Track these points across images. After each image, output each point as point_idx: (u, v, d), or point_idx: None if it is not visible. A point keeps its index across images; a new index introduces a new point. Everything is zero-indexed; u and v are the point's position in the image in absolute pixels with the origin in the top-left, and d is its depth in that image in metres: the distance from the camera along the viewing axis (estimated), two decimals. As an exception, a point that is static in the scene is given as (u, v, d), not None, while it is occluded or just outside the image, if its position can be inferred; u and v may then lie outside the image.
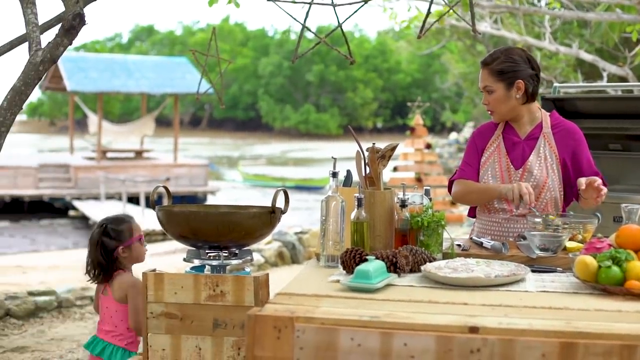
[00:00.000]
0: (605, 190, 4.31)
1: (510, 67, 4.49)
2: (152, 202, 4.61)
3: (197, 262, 4.46)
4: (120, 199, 26.19)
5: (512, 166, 4.60)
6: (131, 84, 30.44)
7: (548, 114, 4.68)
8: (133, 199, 25.99)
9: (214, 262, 4.36)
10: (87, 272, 4.89)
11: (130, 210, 24.18)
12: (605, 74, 18.94)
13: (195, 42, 77.37)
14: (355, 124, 74.30)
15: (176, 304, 3.78)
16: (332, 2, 4.65)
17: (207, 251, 4.40)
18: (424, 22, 4.47)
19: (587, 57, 18.80)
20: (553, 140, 4.59)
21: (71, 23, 5.07)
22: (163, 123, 53.61)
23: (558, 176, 4.56)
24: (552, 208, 4.57)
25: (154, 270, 3.92)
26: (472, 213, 4.87)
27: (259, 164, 50.87)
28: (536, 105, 4.67)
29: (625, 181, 6.95)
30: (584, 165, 4.59)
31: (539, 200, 4.56)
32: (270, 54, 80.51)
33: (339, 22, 4.51)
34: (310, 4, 4.74)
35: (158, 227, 17.90)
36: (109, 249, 4.80)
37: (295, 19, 4.61)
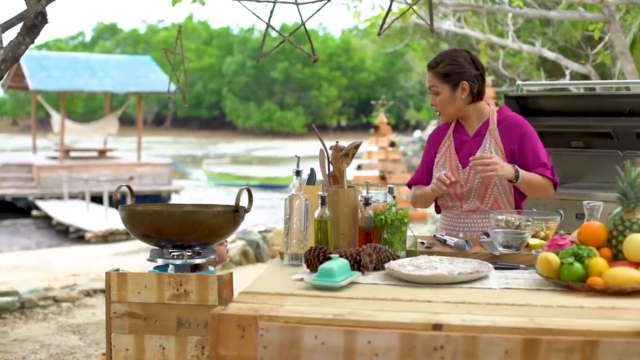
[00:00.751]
0: (494, 162, 4.38)
1: (455, 69, 4.60)
2: (115, 202, 4.58)
3: (160, 262, 4.44)
4: (83, 198, 26.05)
5: (460, 165, 4.71)
6: (94, 83, 30.25)
7: (496, 109, 4.74)
8: (96, 199, 25.86)
9: (178, 262, 4.34)
10: None
11: (94, 209, 24.07)
12: (567, 72, 19.05)
13: (159, 40, 77.06)
14: (319, 122, 74.31)
15: (139, 303, 3.77)
16: (296, 0, 4.65)
17: (170, 250, 4.38)
18: (384, 20, 4.48)
19: (550, 55, 18.91)
20: (498, 135, 4.67)
21: (33, 21, 5.03)
22: (127, 122, 53.26)
23: None
24: (502, 202, 4.66)
25: (117, 270, 3.90)
26: (438, 210, 4.93)
27: (223, 162, 50.74)
28: (484, 103, 4.75)
29: (588, 178, 6.99)
30: (529, 157, 4.64)
31: (487, 195, 4.65)
32: (234, 52, 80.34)
33: (302, 20, 4.51)
34: (274, 2, 4.73)
35: (121, 226, 17.83)
36: None
37: (259, 17, 4.61)
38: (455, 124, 4.82)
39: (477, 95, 4.68)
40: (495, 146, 4.65)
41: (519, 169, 4.46)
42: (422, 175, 4.91)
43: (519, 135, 4.65)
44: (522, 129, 4.67)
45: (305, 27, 4.54)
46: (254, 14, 4.71)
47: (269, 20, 4.48)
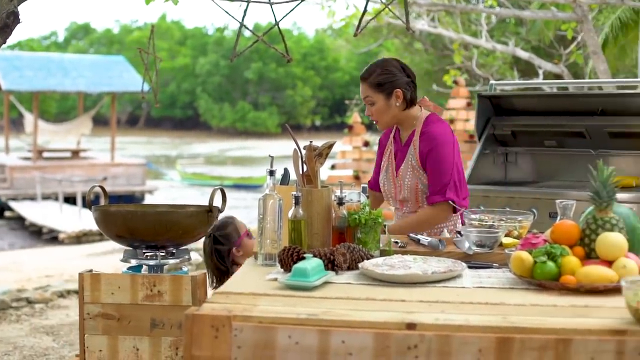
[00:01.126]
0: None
1: (387, 79, 4.73)
2: (89, 202, 4.57)
3: (134, 262, 4.43)
4: (56, 199, 25.93)
5: (395, 172, 4.90)
6: (68, 83, 30.11)
7: (425, 117, 4.85)
8: (70, 199, 25.74)
9: (151, 262, 4.34)
10: (211, 284, 5.03)
11: (67, 210, 23.96)
12: (541, 72, 19.13)
13: (133, 40, 76.78)
14: (293, 122, 74.26)
15: (113, 304, 3.76)
16: (270, 0, 4.65)
17: (144, 251, 4.37)
18: (360, 20, 4.49)
19: (523, 54, 18.98)
20: (418, 146, 4.80)
21: (5, 21, 5.01)
22: (100, 122, 53.01)
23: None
24: None
25: (91, 270, 3.89)
26: None
27: (197, 162, 50.64)
28: (417, 109, 4.86)
29: (561, 177, 7.03)
30: (429, 178, 4.78)
31: (420, 201, 4.83)
32: (208, 52, 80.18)
33: (275, 20, 4.51)
34: (248, 2, 4.73)
35: (95, 227, 17.75)
36: (224, 255, 5.02)
37: (233, 17, 4.60)
38: (396, 130, 4.97)
39: (410, 102, 4.80)
40: (416, 158, 4.80)
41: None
42: (376, 176, 5.18)
43: (428, 151, 4.76)
44: (433, 143, 4.75)
45: (279, 27, 4.54)
46: (228, 13, 4.71)
47: (243, 20, 4.47)
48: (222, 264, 5.01)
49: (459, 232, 4.18)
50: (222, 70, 77.49)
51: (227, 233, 5.03)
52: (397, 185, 4.85)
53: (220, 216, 4.62)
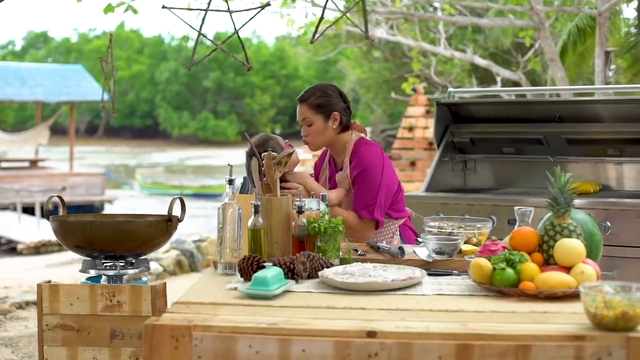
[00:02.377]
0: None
1: (327, 101, 4.88)
2: (47, 212, 4.54)
3: (93, 273, 4.41)
4: (14, 209, 25.71)
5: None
6: (25, 92, 29.88)
7: (354, 141, 4.97)
8: (28, 209, 25.52)
9: (110, 272, 4.31)
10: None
11: (25, 220, 23.77)
12: (499, 79, 19.24)
13: (91, 49, 76.39)
14: (253, 131, 74.08)
15: (72, 315, 3.74)
16: (229, 8, 4.64)
17: (103, 261, 4.35)
18: (317, 27, 4.49)
19: (481, 62, 19.08)
20: (349, 170, 4.92)
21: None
22: (58, 131, 52.81)
23: None
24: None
25: (49, 281, 3.86)
26: None
27: (156, 172, 50.46)
28: (349, 134, 4.99)
29: (519, 184, 7.07)
30: (356, 193, 4.88)
31: None
32: (167, 60, 79.91)
33: (235, 28, 4.50)
34: (205, 10, 4.72)
35: (54, 237, 17.63)
36: None
37: (191, 26, 4.59)
38: (329, 155, 5.10)
39: (345, 127, 4.93)
40: (348, 181, 4.92)
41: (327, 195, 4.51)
42: None
43: (357, 174, 4.87)
44: (361, 166, 4.86)
45: (238, 35, 4.53)
46: (186, 22, 4.70)
47: (200, 29, 4.46)
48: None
49: (418, 240, 4.20)
50: (181, 79, 77.23)
51: (269, 148, 5.01)
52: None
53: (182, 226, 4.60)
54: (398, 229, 4.96)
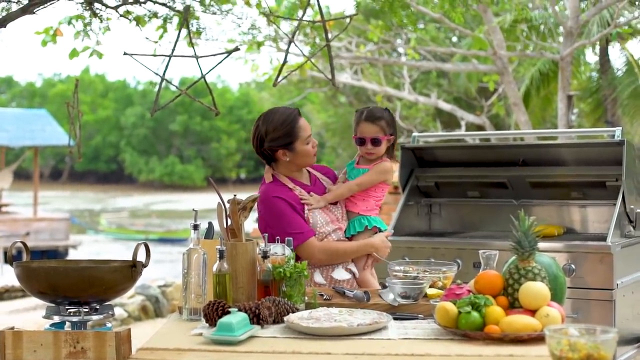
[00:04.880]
0: None
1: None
2: (10, 258, 4.49)
3: (57, 319, 4.36)
4: (-22, 255, 25.50)
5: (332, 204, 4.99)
6: (-11, 137, 29.74)
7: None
8: (-8, 255, 25.32)
9: (74, 318, 4.27)
10: None
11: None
12: (463, 123, 19.38)
13: (56, 93, 76.24)
14: (219, 175, 74.11)
15: (35, 362, 3.69)
16: (195, 54, 4.65)
17: (67, 307, 4.31)
18: (280, 71, 4.51)
19: (446, 106, 19.22)
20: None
21: None
22: (22, 176, 52.59)
23: None
24: None
25: (12, 328, 3.82)
26: None
27: (121, 217, 50.23)
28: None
29: (484, 227, 7.09)
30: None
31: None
32: (133, 105, 79.83)
33: (202, 73, 4.52)
34: (169, 57, 4.73)
35: (17, 283, 17.45)
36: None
37: (154, 72, 4.59)
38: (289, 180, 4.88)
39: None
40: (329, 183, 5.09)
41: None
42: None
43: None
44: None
45: (205, 80, 4.55)
46: (149, 68, 4.70)
47: (164, 74, 4.47)
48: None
49: (384, 285, 4.20)
50: (147, 123, 77.15)
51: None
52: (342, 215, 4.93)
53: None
54: None
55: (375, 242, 4.81)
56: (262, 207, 4.70)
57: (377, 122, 4.89)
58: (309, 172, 4.98)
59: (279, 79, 4.63)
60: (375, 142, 4.88)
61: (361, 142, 4.91)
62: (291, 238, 4.17)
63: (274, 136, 4.71)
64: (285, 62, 4.61)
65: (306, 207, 4.74)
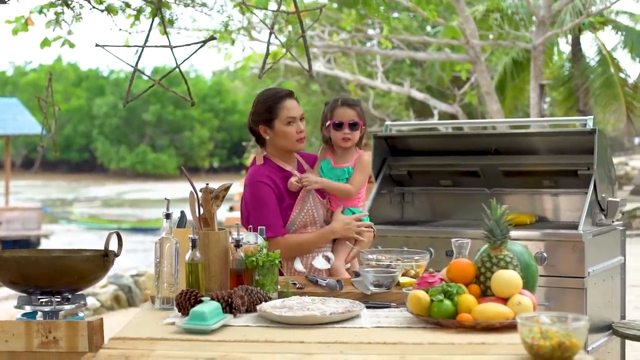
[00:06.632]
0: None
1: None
2: (-19, 248, 4.47)
3: (28, 309, 4.34)
4: (-51, 245, 25.31)
5: (321, 196, 5.01)
6: (-41, 126, 29.53)
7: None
8: (-37, 245, 25.15)
9: (46, 308, 4.26)
10: None
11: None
12: (436, 112, 19.41)
13: (27, 82, 75.79)
14: (191, 164, 73.97)
15: (7, 352, 3.68)
16: (170, 44, 4.63)
17: (38, 297, 4.30)
18: (264, 62, 4.50)
19: (419, 95, 19.25)
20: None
21: None
22: (-6, 166, 52.27)
23: None
24: None
25: (-17, 318, 3.81)
26: None
27: (94, 206, 50.06)
28: None
29: (456, 216, 7.11)
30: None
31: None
32: (105, 94, 79.46)
33: (177, 63, 4.49)
34: (142, 47, 4.70)
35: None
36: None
37: (127, 62, 4.56)
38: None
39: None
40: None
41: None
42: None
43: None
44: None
45: (180, 70, 4.52)
46: (121, 59, 4.66)
47: (136, 65, 4.45)
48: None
49: (357, 273, 4.20)
50: (119, 113, 76.79)
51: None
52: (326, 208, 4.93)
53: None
54: None
55: (335, 226, 4.80)
56: (247, 189, 4.79)
57: (354, 107, 4.90)
58: (297, 161, 4.98)
59: (264, 70, 4.62)
60: (354, 126, 4.86)
61: (338, 126, 4.87)
62: (264, 227, 4.19)
63: (256, 111, 4.82)
64: (267, 53, 4.60)
65: (304, 188, 4.79)
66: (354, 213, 4.88)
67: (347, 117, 4.88)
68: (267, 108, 4.76)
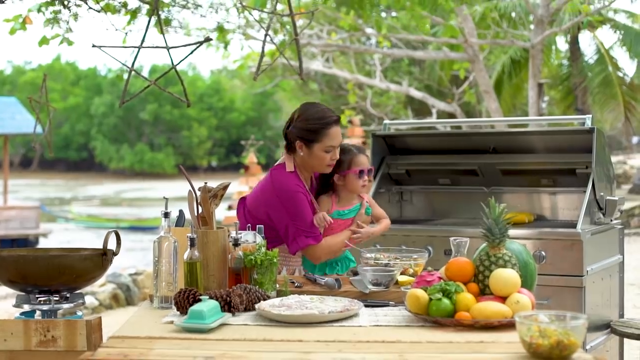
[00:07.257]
0: None
1: None
2: (-21, 247, 4.48)
3: (27, 308, 4.34)
4: (-53, 244, 25.33)
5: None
6: (-42, 125, 29.51)
7: None
8: (-39, 244, 25.16)
9: (45, 307, 4.25)
10: None
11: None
12: (434, 111, 19.40)
13: (26, 81, 75.67)
14: (190, 163, 73.92)
15: (6, 351, 3.68)
16: (167, 44, 4.62)
17: (37, 296, 4.29)
18: (259, 63, 4.50)
19: (417, 94, 19.24)
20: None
21: None
22: (-8, 165, 52.16)
23: None
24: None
25: (-19, 316, 3.81)
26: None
27: (92, 204, 50.04)
28: None
29: (455, 215, 7.11)
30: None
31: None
32: (103, 93, 79.35)
33: (172, 64, 4.49)
34: (139, 48, 4.70)
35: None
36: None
37: (123, 63, 4.57)
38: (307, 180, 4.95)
39: None
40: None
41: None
42: None
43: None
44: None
45: (176, 71, 4.52)
46: (117, 60, 4.66)
47: (132, 65, 4.44)
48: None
49: (355, 272, 4.20)
50: (117, 111, 76.64)
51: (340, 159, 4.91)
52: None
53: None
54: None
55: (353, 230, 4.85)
56: (283, 194, 4.71)
57: (365, 154, 4.98)
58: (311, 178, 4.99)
59: (259, 72, 4.62)
60: (370, 172, 4.94)
61: (361, 173, 4.87)
62: (302, 236, 4.48)
63: (300, 125, 4.73)
64: (263, 55, 4.59)
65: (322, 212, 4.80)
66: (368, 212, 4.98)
67: (366, 165, 4.93)
68: (312, 129, 4.69)
